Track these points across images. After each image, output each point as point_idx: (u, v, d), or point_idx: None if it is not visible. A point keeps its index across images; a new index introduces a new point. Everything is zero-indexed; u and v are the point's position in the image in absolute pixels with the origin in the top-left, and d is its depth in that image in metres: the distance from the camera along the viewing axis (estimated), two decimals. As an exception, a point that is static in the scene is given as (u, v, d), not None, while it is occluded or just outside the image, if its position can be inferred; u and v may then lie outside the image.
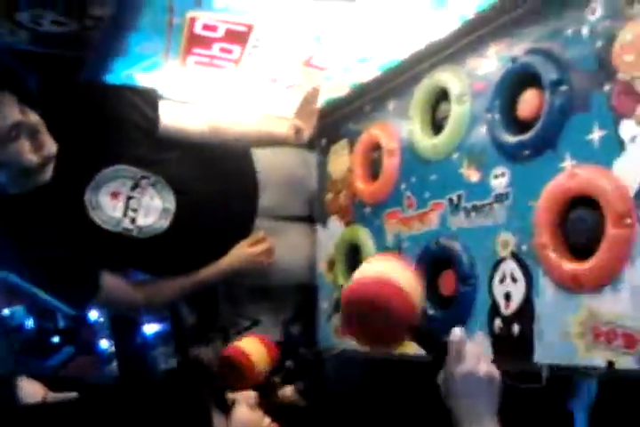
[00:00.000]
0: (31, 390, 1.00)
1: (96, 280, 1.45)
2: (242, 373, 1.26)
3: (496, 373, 0.84)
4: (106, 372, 3.33)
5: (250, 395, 1.05)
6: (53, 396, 1.01)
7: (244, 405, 1.01)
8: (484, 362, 0.84)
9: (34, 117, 1.27)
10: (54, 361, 3.73)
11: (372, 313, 0.85)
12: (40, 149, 1.29)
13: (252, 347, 1.31)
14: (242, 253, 1.56)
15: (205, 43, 1.31)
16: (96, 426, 0.82)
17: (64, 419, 0.89)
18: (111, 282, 1.48)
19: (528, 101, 1.03)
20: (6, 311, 5.39)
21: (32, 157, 1.28)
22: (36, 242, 1.37)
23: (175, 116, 1.49)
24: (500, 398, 0.85)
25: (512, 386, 0.94)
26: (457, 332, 0.85)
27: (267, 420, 1.05)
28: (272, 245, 1.58)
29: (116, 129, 1.42)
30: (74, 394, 0.98)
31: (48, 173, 1.35)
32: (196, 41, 1.30)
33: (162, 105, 1.48)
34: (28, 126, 1.25)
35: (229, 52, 1.34)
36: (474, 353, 0.84)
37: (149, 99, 1.47)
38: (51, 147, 1.31)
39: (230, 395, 1.03)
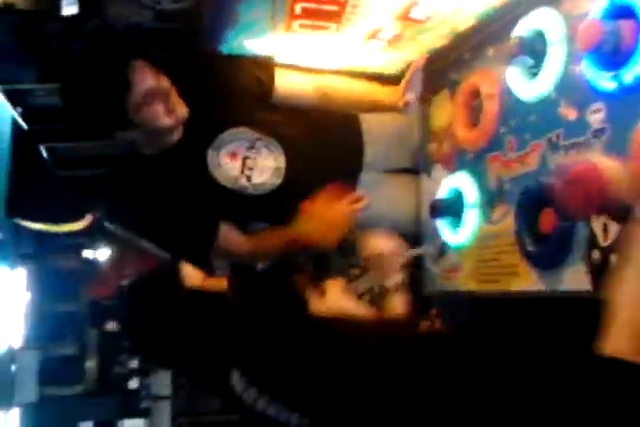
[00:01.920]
0: (192, 275, 1.14)
1: (214, 232, 1.59)
2: None
3: None
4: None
5: (339, 281, 1.15)
6: (210, 280, 1.14)
7: (337, 289, 1.11)
8: None
9: (166, 82, 1.42)
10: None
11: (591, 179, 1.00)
12: (173, 112, 1.44)
13: None
14: (342, 208, 1.63)
15: (308, 6, 1.40)
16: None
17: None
18: (227, 233, 1.62)
19: (622, 35, 1.04)
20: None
21: (166, 120, 1.44)
22: (161, 202, 1.53)
23: (287, 83, 1.61)
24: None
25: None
26: None
27: (354, 302, 1.14)
28: (369, 202, 1.64)
29: (234, 95, 1.56)
30: (225, 282, 1.12)
31: (177, 134, 1.51)
32: (299, 5, 1.39)
33: (278, 73, 1.59)
34: (161, 91, 1.41)
35: (331, 12, 1.42)
36: None
37: (265, 65, 1.59)
38: (183, 110, 1.46)
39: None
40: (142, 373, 5.33)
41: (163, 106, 1.41)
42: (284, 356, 0.94)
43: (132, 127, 1.43)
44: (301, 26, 1.47)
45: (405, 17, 1.42)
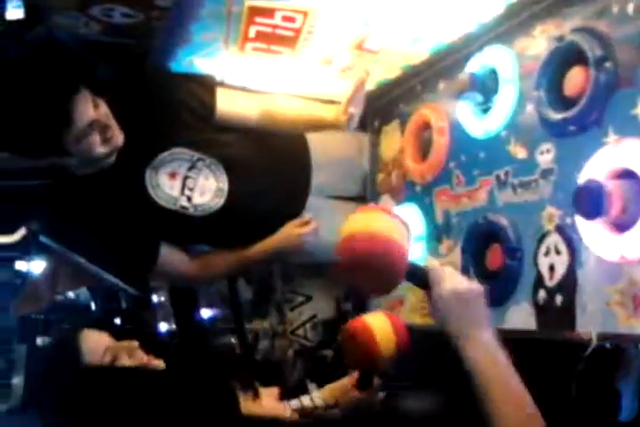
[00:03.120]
0: (95, 340, 1.05)
1: (154, 253, 1.55)
2: (360, 349, 1.14)
3: (477, 287, 0.92)
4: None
5: (274, 391, 1.11)
6: (115, 345, 1.04)
7: (271, 397, 1.07)
8: (462, 280, 0.91)
9: (104, 111, 1.36)
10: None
11: (367, 269, 0.91)
12: (109, 142, 1.38)
13: (378, 324, 1.16)
14: (290, 232, 1.61)
15: (263, 30, 1.37)
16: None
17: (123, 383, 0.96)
18: (168, 254, 1.58)
19: (574, 79, 1.06)
20: (71, 294, 5.65)
21: (102, 150, 1.38)
22: (99, 220, 1.47)
23: (230, 104, 1.58)
24: (542, 374, 0.88)
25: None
26: (432, 260, 0.94)
27: (289, 411, 1.11)
28: (317, 226, 1.62)
29: (175, 114, 1.52)
30: (134, 343, 1.04)
31: (113, 157, 1.45)
32: (253, 28, 1.37)
33: (219, 92, 1.56)
34: (100, 123, 1.35)
35: (286, 38, 1.40)
36: (452, 274, 0.92)
37: (207, 86, 1.56)
38: (119, 139, 1.41)
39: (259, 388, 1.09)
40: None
41: (99, 136, 1.36)
42: None
43: (66, 155, 1.37)
44: (254, 49, 1.45)
45: (360, 47, 1.41)
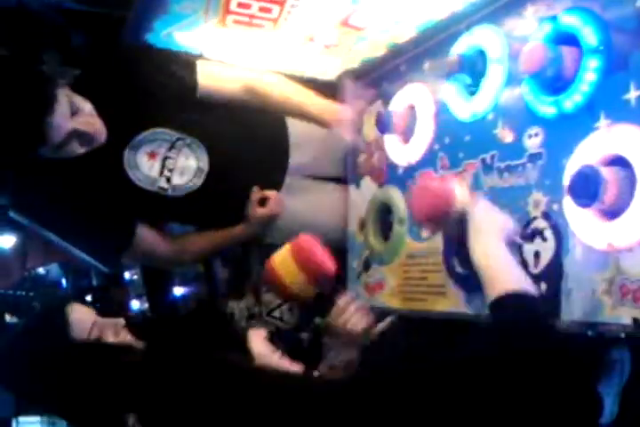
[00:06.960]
0: (82, 316, 1.05)
1: (129, 233, 1.52)
2: (276, 286, 1.28)
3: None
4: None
5: (261, 331, 1.10)
6: (102, 321, 1.05)
7: (258, 338, 1.06)
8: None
9: (87, 111, 1.32)
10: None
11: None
12: (91, 143, 1.35)
13: (279, 260, 1.28)
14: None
15: (245, 1, 1.32)
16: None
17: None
18: (144, 234, 1.54)
19: (565, 61, 1.03)
20: (41, 270, 5.56)
21: (84, 149, 1.35)
22: (72, 197, 1.44)
23: (213, 79, 1.53)
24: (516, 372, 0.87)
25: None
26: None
27: (277, 354, 1.09)
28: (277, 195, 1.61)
29: (154, 94, 1.48)
30: (121, 320, 1.03)
31: None
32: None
33: (200, 67, 1.51)
34: (80, 131, 1.31)
35: (268, 11, 1.35)
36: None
37: (186, 64, 1.51)
38: (101, 136, 1.37)
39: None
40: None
41: (80, 141, 1.33)
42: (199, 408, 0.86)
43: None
44: (236, 22, 1.39)
45: (345, 23, 1.37)
